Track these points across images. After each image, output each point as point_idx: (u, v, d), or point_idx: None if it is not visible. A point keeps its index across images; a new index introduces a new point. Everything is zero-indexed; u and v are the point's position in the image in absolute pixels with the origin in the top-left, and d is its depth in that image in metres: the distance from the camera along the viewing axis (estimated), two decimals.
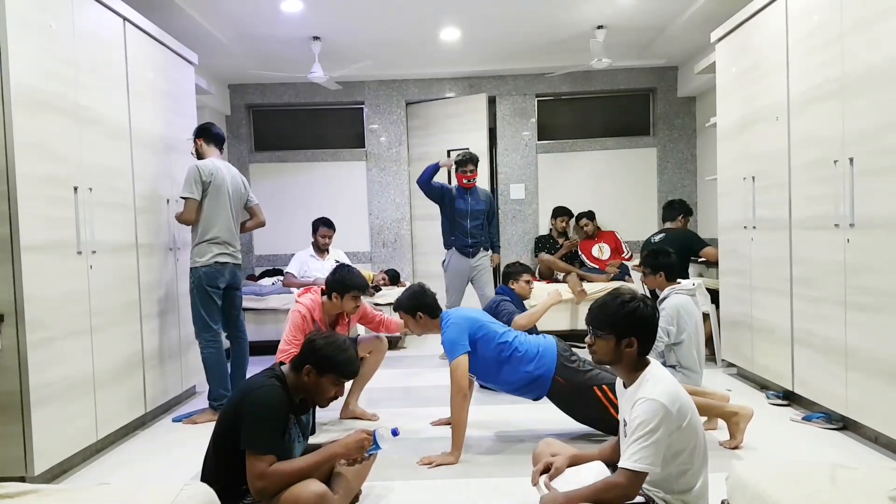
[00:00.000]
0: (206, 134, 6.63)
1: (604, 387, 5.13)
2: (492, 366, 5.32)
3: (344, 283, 5.71)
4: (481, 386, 6.84)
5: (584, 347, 3.72)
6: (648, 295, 7.33)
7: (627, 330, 3.33)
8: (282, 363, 3.96)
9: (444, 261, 8.72)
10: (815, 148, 5.53)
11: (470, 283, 8.66)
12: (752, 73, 6.64)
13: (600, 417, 5.22)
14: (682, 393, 3.32)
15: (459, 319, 5.30)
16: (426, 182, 8.51)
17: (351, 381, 5.67)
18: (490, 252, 8.78)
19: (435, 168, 8.51)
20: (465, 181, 8.51)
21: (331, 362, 3.73)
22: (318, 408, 4.35)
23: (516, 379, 5.33)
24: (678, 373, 5.91)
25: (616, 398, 3.68)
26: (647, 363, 3.41)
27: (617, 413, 3.60)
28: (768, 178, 6.36)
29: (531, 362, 5.28)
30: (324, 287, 5.89)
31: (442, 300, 6.50)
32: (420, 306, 5.42)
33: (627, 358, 3.37)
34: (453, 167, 8.69)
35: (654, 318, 3.39)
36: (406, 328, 5.65)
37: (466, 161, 8.50)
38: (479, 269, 8.58)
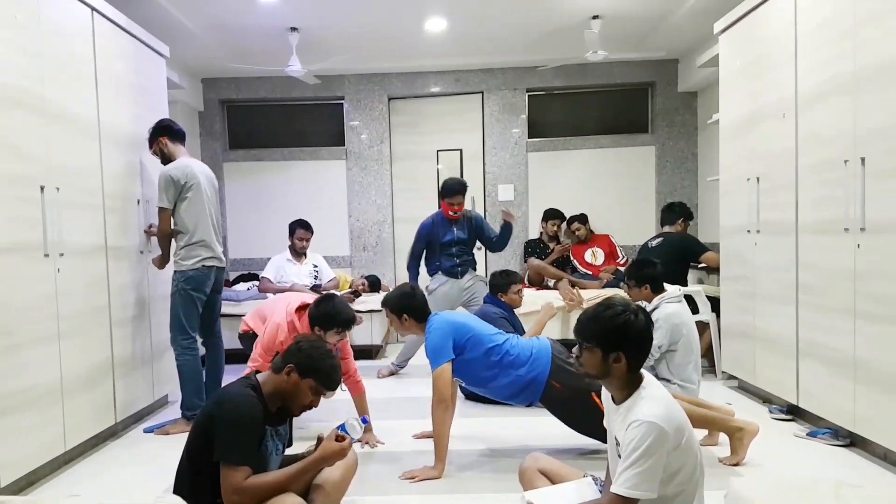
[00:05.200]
0: (169, 132, 6.59)
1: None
2: (481, 371, 5.31)
3: (329, 316, 5.60)
4: (466, 397, 6.89)
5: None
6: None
7: (615, 344, 3.29)
8: (257, 372, 4.04)
9: (427, 287, 8.31)
10: (824, 147, 5.57)
11: (464, 308, 8.33)
12: (758, 66, 6.68)
13: (598, 426, 5.20)
14: (678, 410, 3.31)
15: (444, 325, 5.31)
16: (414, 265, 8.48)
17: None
18: (476, 273, 8.50)
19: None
20: (451, 213, 8.24)
21: (314, 365, 3.83)
22: (293, 419, 4.39)
23: (507, 383, 5.30)
24: (672, 385, 5.94)
25: None
26: (640, 379, 3.38)
27: None
28: (774, 178, 6.40)
29: (523, 365, 5.27)
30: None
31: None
32: (407, 308, 5.43)
33: (616, 373, 3.33)
34: (438, 195, 8.36)
35: (647, 331, 3.36)
36: (391, 326, 5.62)
37: (456, 192, 8.20)
38: (472, 291, 8.32)
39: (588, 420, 5.15)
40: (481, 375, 5.33)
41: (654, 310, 6.09)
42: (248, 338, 6.35)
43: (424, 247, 8.43)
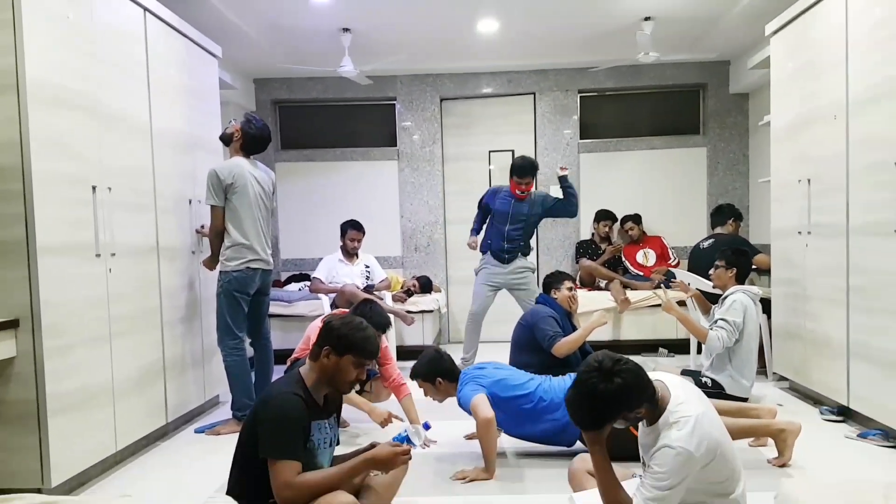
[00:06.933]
0: (245, 137, 6.54)
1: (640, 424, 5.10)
2: (514, 419, 5.40)
3: (367, 318, 5.58)
4: None
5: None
6: (695, 299, 7.31)
7: (612, 417, 3.28)
8: (297, 362, 4.04)
9: (476, 268, 8.50)
10: (875, 150, 5.54)
11: (513, 296, 8.38)
12: (810, 69, 6.63)
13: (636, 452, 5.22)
14: (709, 427, 3.29)
15: (472, 382, 5.41)
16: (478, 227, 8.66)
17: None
18: (528, 261, 8.40)
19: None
20: (518, 192, 8.09)
21: (349, 340, 3.82)
22: (339, 423, 4.40)
23: (543, 430, 5.38)
24: (724, 374, 6.14)
25: None
26: (666, 400, 3.37)
27: None
28: (825, 181, 6.36)
29: (557, 409, 5.30)
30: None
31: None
32: (438, 372, 5.49)
33: (645, 416, 3.38)
34: (509, 173, 8.24)
35: (628, 384, 3.19)
36: (427, 395, 5.65)
37: (527, 171, 8.09)
38: (519, 283, 8.25)
39: (628, 449, 5.15)
40: (515, 423, 5.43)
41: (728, 295, 6.36)
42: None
43: (483, 214, 8.56)
